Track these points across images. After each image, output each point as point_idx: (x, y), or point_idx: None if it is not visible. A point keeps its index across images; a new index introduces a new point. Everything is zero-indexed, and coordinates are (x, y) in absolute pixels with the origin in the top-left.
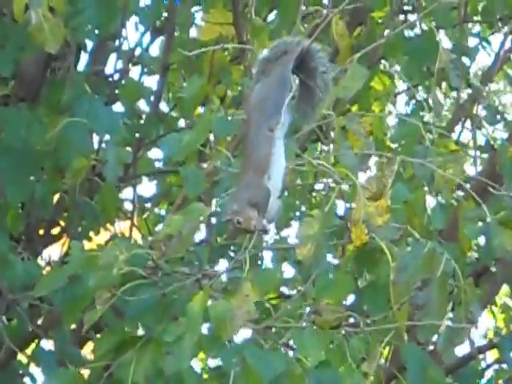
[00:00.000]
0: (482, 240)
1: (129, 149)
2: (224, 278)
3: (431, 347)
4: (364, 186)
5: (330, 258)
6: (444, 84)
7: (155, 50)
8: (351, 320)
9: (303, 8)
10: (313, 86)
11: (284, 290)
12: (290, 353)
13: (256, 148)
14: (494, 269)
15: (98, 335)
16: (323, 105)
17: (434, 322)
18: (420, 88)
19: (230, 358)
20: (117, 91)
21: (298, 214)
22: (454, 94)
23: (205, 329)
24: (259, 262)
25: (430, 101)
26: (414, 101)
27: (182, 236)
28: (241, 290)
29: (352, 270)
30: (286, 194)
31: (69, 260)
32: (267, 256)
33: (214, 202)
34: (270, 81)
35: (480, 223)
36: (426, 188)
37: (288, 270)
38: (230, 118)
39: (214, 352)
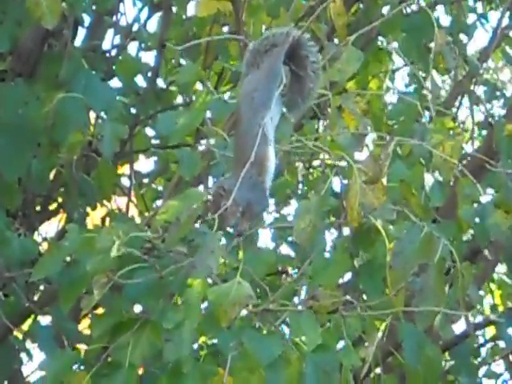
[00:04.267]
0: (477, 219)
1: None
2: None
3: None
4: (360, 169)
5: (327, 236)
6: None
7: (153, 26)
8: (348, 298)
9: None
10: (303, 76)
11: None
12: (287, 331)
13: (251, 143)
14: (486, 250)
15: (95, 312)
16: (314, 94)
17: (431, 308)
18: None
19: (228, 341)
20: (114, 67)
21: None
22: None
23: (203, 310)
24: (256, 241)
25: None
26: (414, 78)
27: (180, 222)
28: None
29: (348, 249)
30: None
31: (66, 242)
32: (267, 235)
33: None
34: (260, 74)
35: (476, 204)
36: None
37: (286, 249)
38: (226, 99)
39: (211, 335)
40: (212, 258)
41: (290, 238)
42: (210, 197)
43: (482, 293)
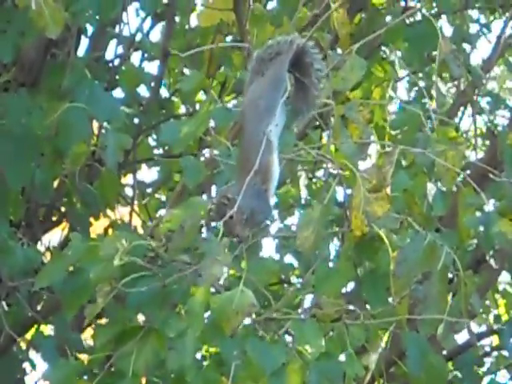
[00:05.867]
0: (482, 228)
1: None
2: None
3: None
4: (364, 177)
5: (331, 245)
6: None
7: (156, 36)
8: (351, 307)
9: None
10: (308, 84)
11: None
12: (290, 339)
13: (255, 151)
14: (491, 258)
15: (98, 321)
16: (318, 102)
17: (434, 316)
18: (421, 75)
19: (231, 350)
20: (117, 77)
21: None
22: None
23: (206, 319)
24: (259, 250)
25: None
26: (415, 88)
27: (184, 231)
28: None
29: (352, 258)
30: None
31: (69, 251)
32: (271, 245)
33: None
34: (264, 82)
35: (479, 212)
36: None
37: (290, 258)
38: (229, 107)
39: (214, 343)
40: (217, 266)
41: (293, 248)
42: (213, 206)
43: (486, 302)
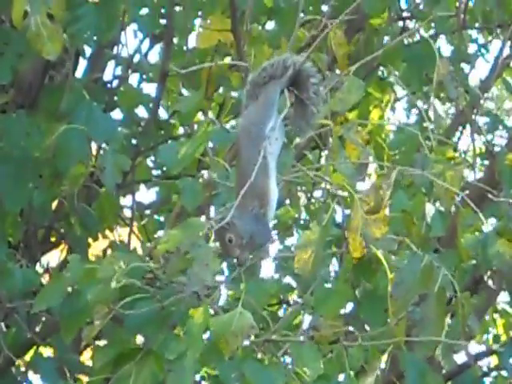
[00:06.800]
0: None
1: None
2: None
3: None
4: (362, 198)
5: (331, 267)
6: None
7: (154, 57)
8: (349, 329)
9: (301, 16)
10: (305, 99)
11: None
12: (288, 361)
13: (251, 175)
14: (488, 278)
15: (97, 343)
16: (318, 118)
17: (431, 338)
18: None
19: (229, 372)
20: (115, 98)
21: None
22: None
23: (205, 340)
24: (258, 272)
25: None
26: (414, 108)
27: (181, 252)
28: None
29: (350, 280)
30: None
31: (67, 273)
32: (270, 266)
33: (212, 213)
34: (256, 107)
35: (478, 232)
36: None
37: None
38: (228, 128)
39: (213, 365)
40: (206, 271)
41: (292, 269)
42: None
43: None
